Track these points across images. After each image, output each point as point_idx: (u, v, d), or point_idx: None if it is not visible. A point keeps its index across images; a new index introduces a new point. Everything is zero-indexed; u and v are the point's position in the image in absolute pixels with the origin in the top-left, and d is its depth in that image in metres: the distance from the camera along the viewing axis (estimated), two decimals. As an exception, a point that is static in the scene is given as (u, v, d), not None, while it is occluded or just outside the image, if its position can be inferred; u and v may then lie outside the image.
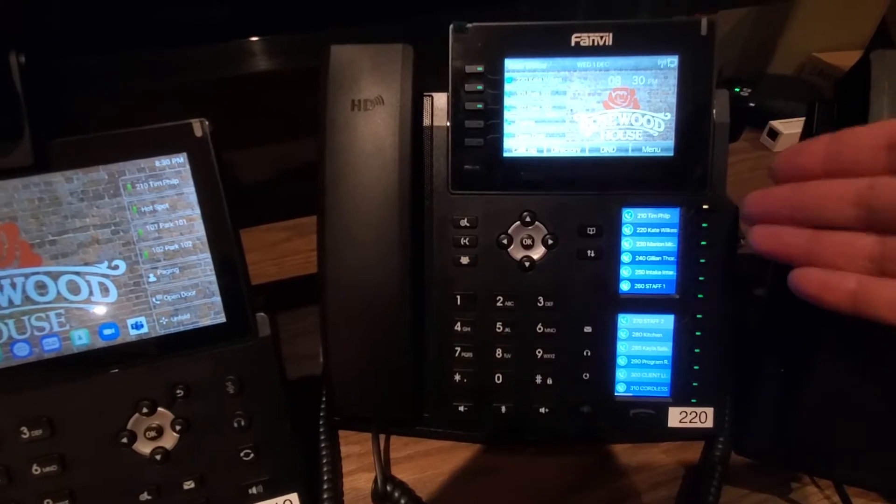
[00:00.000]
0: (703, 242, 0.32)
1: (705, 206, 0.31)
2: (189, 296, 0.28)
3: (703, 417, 0.33)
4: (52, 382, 0.27)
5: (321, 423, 0.34)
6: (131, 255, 0.28)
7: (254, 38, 0.35)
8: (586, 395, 0.33)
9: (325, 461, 0.33)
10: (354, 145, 0.28)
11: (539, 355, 0.33)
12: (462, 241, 0.32)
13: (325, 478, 0.32)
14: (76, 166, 0.27)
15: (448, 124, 0.32)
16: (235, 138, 0.45)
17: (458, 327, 0.33)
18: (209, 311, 0.29)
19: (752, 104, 0.62)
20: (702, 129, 0.31)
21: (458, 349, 0.33)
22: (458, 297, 0.32)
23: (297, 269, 0.49)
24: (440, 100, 0.32)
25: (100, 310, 0.28)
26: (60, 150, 0.26)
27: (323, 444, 0.33)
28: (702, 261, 0.32)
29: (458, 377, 0.33)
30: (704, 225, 0.31)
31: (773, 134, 0.61)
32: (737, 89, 0.63)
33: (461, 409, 0.33)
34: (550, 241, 0.32)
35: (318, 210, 0.30)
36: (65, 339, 0.27)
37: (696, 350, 0.32)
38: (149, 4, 0.32)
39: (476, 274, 0.32)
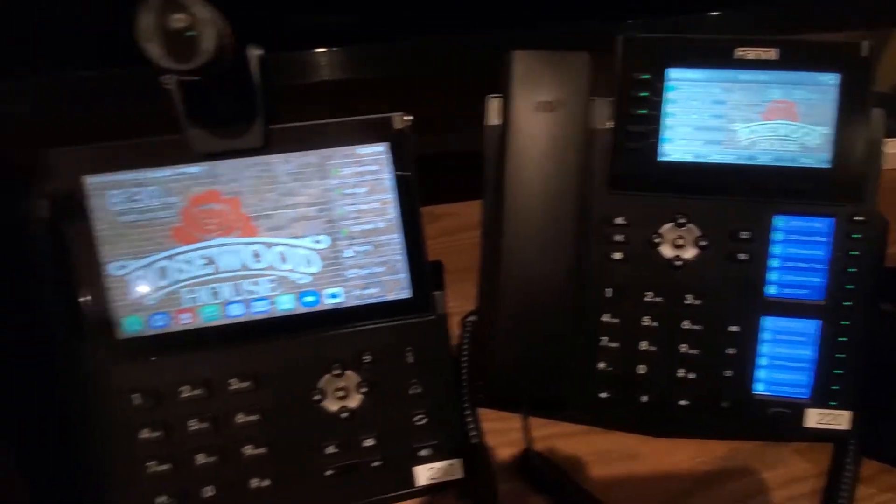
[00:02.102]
0: (854, 252, 0.33)
1: (859, 218, 0.33)
2: (379, 272, 0.31)
3: (840, 420, 0.34)
4: (259, 340, 0.31)
5: (465, 399, 0.37)
6: (333, 232, 0.31)
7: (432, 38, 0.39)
8: (726, 392, 0.34)
9: (473, 434, 0.35)
10: (536, 145, 0.31)
11: (683, 350, 0.34)
12: (616, 238, 0.34)
13: (476, 450, 0.34)
14: (293, 150, 0.30)
15: (609, 127, 0.34)
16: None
17: (606, 318, 0.35)
18: (395, 286, 0.32)
19: None
20: (859, 144, 0.32)
21: (605, 339, 0.35)
22: (609, 290, 0.34)
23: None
24: (601, 104, 0.34)
25: (303, 279, 0.31)
26: (281, 134, 0.30)
27: (469, 419, 0.36)
28: (851, 270, 0.33)
29: (602, 366, 0.35)
30: (856, 235, 0.33)
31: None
32: None
33: (603, 396, 0.35)
34: (702, 243, 0.34)
35: (491, 203, 0.33)
36: (272, 302, 0.31)
37: (840, 355, 0.33)
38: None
39: (627, 270, 0.34)
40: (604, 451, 0.36)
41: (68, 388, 0.29)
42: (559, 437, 0.37)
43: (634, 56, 0.33)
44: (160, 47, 0.24)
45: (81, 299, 0.29)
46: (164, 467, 0.30)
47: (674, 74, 0.33)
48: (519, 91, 0.31)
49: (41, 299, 0.29)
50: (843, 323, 0.33)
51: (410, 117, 0.30)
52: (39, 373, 0.28)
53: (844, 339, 0.33)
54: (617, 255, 0.34)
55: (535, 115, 0.31)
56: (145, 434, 0.29)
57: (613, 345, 0.35)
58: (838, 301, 0.33)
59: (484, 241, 0.34)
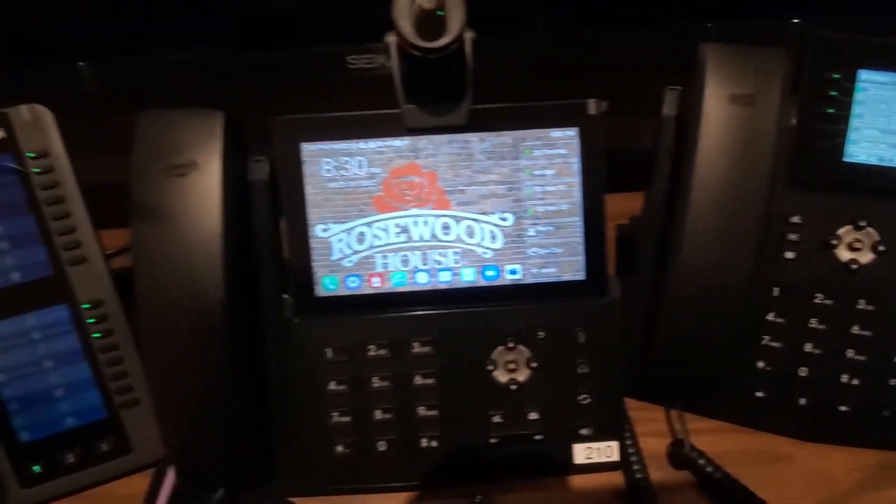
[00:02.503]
0: None
1: None
2: (558, 252, 0.32)
3: None
4: (441, 309, 0.32)
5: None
6: (519, 211, 0.32)
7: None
8: (890, 400, 0.34)
9: (626, 433, 0.36)
10: (729, 138, 0.31)
11: (849, 355, 0.34)
12: (790, 237, 0.34)
13: (628, 436, 0.35)
14: (490, 129, 0.31)
15: (792, 124, 0.34)
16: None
17: (770, 317, 0.34)
18: (571, 268, 0.32)
19: None
20: None
21: (768, 338, 0.35)
22: (777, 289, 0.34)
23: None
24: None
25: (487, 254, 0.32)
26: (481, 114, 0.31)
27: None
28: None
29: (761, 365, 0.35)
30: None
31: None
32: None
33: (759, 395, 0.35)
34: (881, 248, 0.33)
35: (662, 193, 0.33)
36: (455, 274, 0.32)
37: None
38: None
39: (798, 270, 0.34)
40: (751, 451, 0.36)
41: (271, 338, 0.32)
42: (705, 433, 0.37)
43: (825, 55, 0.33)
44: (411, 25, 0.25)
45: (288, 256, 0.32)
46: (346, 419, 0.32)
47: (865, 76, 0.33)
48: (713, 83, 0.31)
49: (257, 255, 0.31)
50: None
51: (606, 103, 0.31)
52: (252, 322, 0.31)
53: None
54: (789, 255, 0.34)
55: (729, 107, 0.31)
56: (332, 386, 0.32)
57: (776, 344, 0.34)
58: None
59: (645, 231, 0.35)
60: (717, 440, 0.37)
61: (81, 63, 0.36)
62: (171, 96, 0.32)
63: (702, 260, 0.32)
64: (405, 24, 0.25)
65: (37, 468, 0.33)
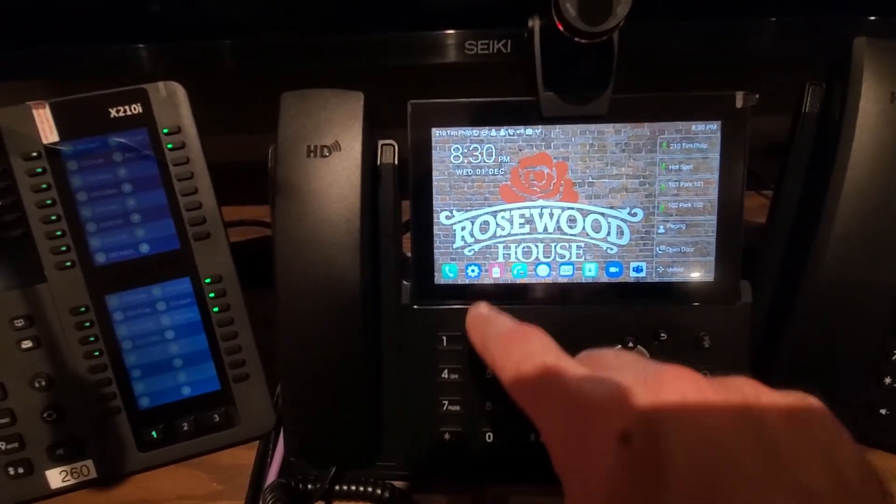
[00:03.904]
0: None
1: None
2: (687, 251, 0.31)
3: None
4: (561, 304, 0.31)
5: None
6: (649, 207, 0.31)
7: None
8: None
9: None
10: (887, 144, 0.28)
11: None
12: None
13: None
14: (627, 120, 0.30)
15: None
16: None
17: None
18: (701, 268, 0.31)
19: None
20: None
21: None
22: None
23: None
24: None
25: (611, 249, 0.31)
26: (620, 104, 0.30)
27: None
28: None
29: (888, 381, 0.33)
30: None
31: None
32: None
33: (883, 412, 0.33)
34: None
35: (793, 194, 0.31)
36: (578, 268, 0.31)
37: None
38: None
39: None
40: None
41: (388, 322, 0.32)
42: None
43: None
44: (576, 8, 0.24)
45: (410, 241, 0.32)
46: (456, 408, 0.32)
47: None
48: (871, 80, 0.29)
49: (380, 238, 0.31)
50: None
51: (756, 96, 0.29)
52: (375, 305, 0.31)
53: None
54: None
55: (889, 106, 0.29)
56: (445, 375, 0.32)
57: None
58: None
59: (772, 234, 0.33)
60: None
61: (225, 41, 0.36)
62: (293, 78, 0.32)
63: (847, 268, 0.30)
64: (570, 8, 0.24)
65: (154, 434, 0.34)
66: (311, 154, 0.27)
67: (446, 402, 0.32)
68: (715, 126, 0.30)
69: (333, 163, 0.27)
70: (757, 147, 0.32)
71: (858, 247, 0.30)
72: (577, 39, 0.25)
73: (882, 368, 0.33)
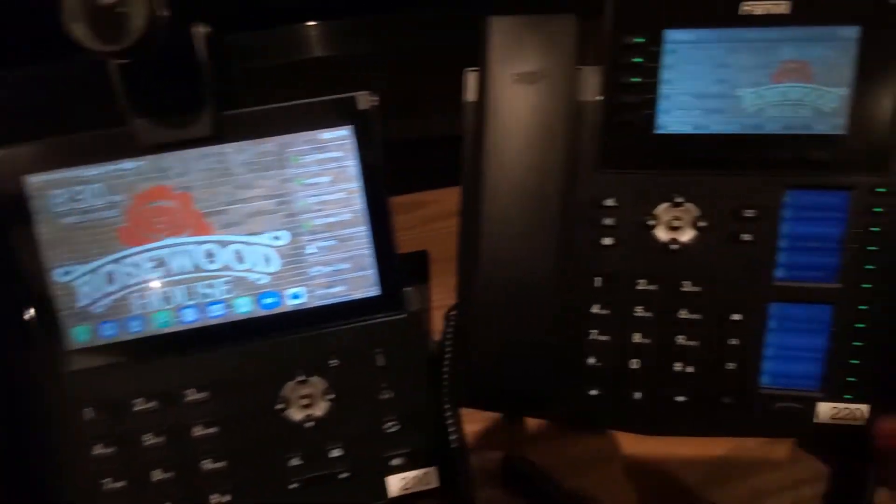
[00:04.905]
0: (876, 228, 0.29)
1: (881, 189, 0.29)
2: (345, 268, 0.29)
3: (857, 414, 0.31)
4: (216, 347, 0.29)
5: (446, 400, 0.35)
6: (293, 227, 0.28)
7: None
8: (729, 386, 0.32)
9: (453, 438, 0.33)
10: (516, 120, 0.28)
11: (680, 342, 0.31)
12: (605, 222, 0.31)
13: (455, 455, 0.32)
14: (247, 137, 0.27)
15: (598, 99, 0.31)
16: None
17: (595, 310, 0.32)
18: (363, 283, 0.29)
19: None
20: (882, 107, 0.29)
21: (595, 333, 0.32)
22: (598, 278, 0.32)
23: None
24: (588, 74, 0.31)
25: (262, 279, 0.28)
26: (234, 121, 0.27)
27: (450, 421, 0.34)
28: (872, 248, 0.30)
29: (591, 361, 0.32)
30: (878, 210, 0.29)
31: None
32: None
33: (593, 394, 0.33)
34: (702, 224, 0.31)
35: (470, 187, 0.30)
36: (229, 306, 0.29)
37: (857, 343, 0.30)
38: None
39: (618, 255, 0.31)
40: (595, 452, 0.34)
41: (23, 400, 0.28)
42: (547, 438, 0.35)
43: (626, 16, 0.29)
44: (87, 27, 0.21)
45: (28, 308, 0.28)
46: (120, 484, 0.28)
47: (672, 36, 0.29)
48: (496, 61, 0.28)
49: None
50: (860, 308, 0.30)
51: (376, 97, 0.27)
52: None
53: (862, 325, 0.30)
54: (607, 241, 0.31)
55: (513, 87, 0.28)
56: (99, 449, 0.28)
57: (604, 338, 0.32)
58: (855, 283, 0.30)
59: (462, 229, 0.32)
60: (561, 444, 0.35)
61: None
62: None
63: (502, 255, 0.29)
64: (78, 27, 0.21)
65: None
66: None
67: (109, 480, 0.28)
68: (345, 131, 0.28)
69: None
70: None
71: (509, 233, 0.28)
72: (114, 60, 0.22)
73: (584, 349, 0.32)
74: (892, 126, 0.29)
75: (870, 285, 0.30)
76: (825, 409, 0.32)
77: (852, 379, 0.31)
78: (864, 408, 0.31)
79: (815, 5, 0.28)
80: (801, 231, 0.30)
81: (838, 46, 0.29)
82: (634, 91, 0.30)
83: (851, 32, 0.28)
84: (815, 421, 0.32)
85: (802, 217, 0.30)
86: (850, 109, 0.29)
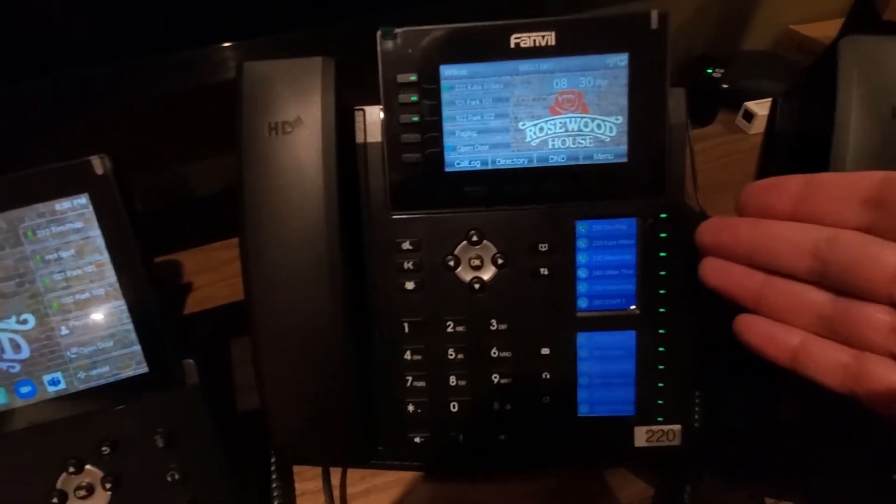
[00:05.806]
0: (663, 254, 0.29)
1: (663, 215, 0.29)
2: (106, 346, 0.26)
3: (670, 436, 0.31)
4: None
5: (272, 459, 0.33)
6: (40, 308, 0.25)
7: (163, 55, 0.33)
8: (547, 419, 0.31)
9: (276, 501, 0.31)
10: (273, 173, 0.26)
11: (495, 381, 0.31)
12: (406, 266, 0.30)
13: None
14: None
15: (381, 140, 0.30)
16: (177, 153, 0.42)
17: (408, 356, 0.31)
18: (130, 361, 0.27)
19: (725, 85, 0.59)
20: (656, 131, 0.29)
21: (410, 378, 0.31)
22: (406, 324, 0.30)
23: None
24: (374, 114, 0.30)
25: (13, 367, 0.26)
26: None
27: (275, 484, 0.32)
28: (662, 273, 0.30)
29: (411, 407, 0.31)
30: (663, 235, 0.29)
31: (749, 116, 0.58)
32: (708, 70, 0.59)
33: (417, 440, 0.31)
34: (500, 261, 0.30)
35: (239, 241, 0.28)
36: (-26, 404, 0.26)
37: (661, 367, 0.30)
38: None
39: (423, 299, 0.30)
40: (430, 499, 0.33)
41: None
42: (379, 490, 0.33)
43: (396, 54, 0.28)
44: None
45: None
46: None
47: (447, 72, 0.28)
48: (247, 111, 0.26)
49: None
50: (660, 332, 0.30)
51: (110, 160, 0.25)
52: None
53: (662, 349, 0.30)
54: (409, 285, 0.30)
55: (268, 139, 0.26)
56: None
57: (420, 384, 0.31)
58: (652, 308, 0.30)
59: (243, 283, 0.30)
60: (390, 495, 0.33)
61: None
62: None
63: (275, 312, 0.27)
64: None
65: None
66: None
67: None
68: (83, 199, 0.25)
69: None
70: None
71: (281, 287, 0.26)
72: None
73: (403, 397, 0.31)
74: (666, 151, 0.29)
75: (664, 309, 0.30)
76: (640, 433, 0.32)
77: (661, 402, 0.31)
78: (676, 428, 0.32)
79: (580, 35, 0.28)
80: (596, 260, 0.30)
81: (609, 75, 0.29)
82: (416, 130, 0.29)
83: (620, 60, 0.28)
84: (634, 445, 0.32)
85: (596, 247, 0.30)
86: (627, 137, 0.29)
